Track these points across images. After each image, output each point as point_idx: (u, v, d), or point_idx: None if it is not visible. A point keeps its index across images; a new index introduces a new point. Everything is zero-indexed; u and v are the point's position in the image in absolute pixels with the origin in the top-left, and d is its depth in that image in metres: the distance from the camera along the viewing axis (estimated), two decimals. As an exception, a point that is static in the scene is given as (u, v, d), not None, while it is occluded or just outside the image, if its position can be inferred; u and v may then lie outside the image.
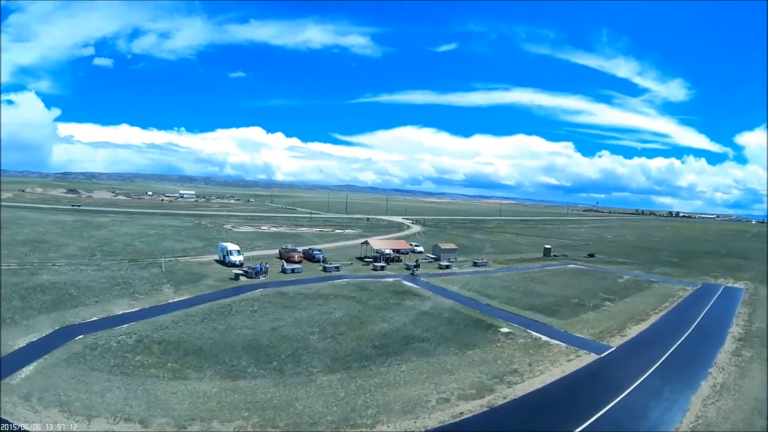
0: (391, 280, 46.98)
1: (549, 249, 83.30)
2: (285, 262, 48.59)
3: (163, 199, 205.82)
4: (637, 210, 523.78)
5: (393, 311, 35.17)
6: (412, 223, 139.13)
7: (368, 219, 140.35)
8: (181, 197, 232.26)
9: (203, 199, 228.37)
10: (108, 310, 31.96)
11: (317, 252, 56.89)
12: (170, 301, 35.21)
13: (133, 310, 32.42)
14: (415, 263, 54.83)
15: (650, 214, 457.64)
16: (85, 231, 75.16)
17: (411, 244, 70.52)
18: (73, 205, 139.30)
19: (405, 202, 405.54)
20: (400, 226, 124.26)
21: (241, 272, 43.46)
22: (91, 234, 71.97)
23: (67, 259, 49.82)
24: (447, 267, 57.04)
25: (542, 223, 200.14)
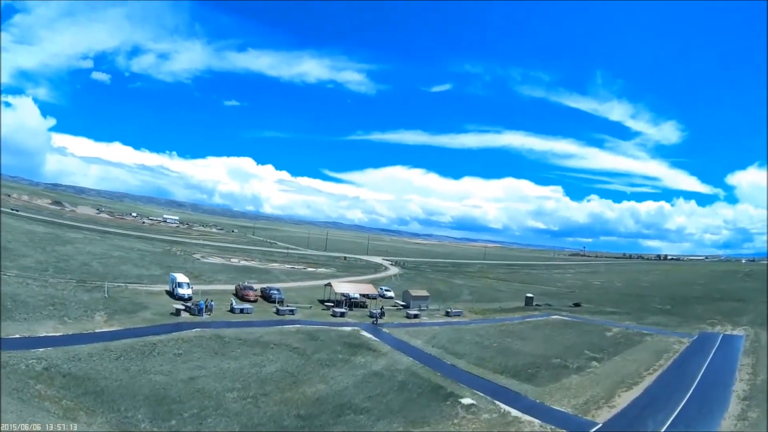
0: (348, 329, 45.80)
1: (531, 298, 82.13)
2: (234, 301, 48.36)
3: (144, 222, 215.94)
4: (624, 254, 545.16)
5: (338, 369, 32.64)
6: (391, 264, 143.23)
7: (345, 258, 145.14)
8: (164, 221, 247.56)
9: (185, 226, 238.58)
10: (32, 329, 32.48)
11: (275, 292, 56.57)
12: (97, 330, 35.22)
13: (57, 334, 32.63)
14: (379, 311, 53.77)
15: (637, 258, 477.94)
16: (50, 245, 77.30)
17: (380, 289, 71.78)
18: (12, 209, 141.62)
19: (390, 242, 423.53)
20: (377, 267, 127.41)
21: (183, 308, 43.28)
22: (55, 248, 74.02)
23: (19, 270, 51.61)
24: (415, 316, 56.51)
25: (527, 267, 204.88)
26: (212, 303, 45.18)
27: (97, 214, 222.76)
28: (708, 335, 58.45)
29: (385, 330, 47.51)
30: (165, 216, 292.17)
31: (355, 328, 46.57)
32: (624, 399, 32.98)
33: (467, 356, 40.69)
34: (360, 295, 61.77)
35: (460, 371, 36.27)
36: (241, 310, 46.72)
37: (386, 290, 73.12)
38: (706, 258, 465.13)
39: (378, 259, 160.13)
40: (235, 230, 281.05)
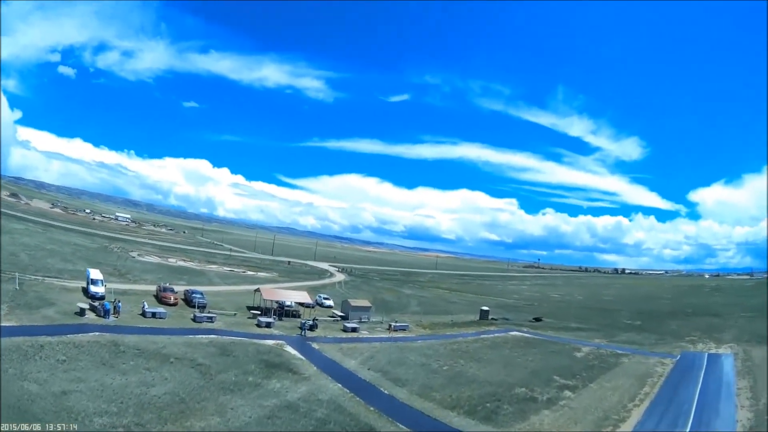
0: (271, 343, 44.32)
1: (486, 311, 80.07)
2: (146, 304, 48.50)
3: (95, 219, 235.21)
4: (580, 267, 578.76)
5: (243, 397, 29.28)
6: (338, 271, 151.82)
7: (289, 263, 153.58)
8: (116, 219, 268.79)
9: (135, 224, 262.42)
10: None
11: (197, 295, 57.00)
12: (-10, 324, 34.63)
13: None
14: (311, 321, 53.48)
15: (594, 271, 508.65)
16: (-15, 234, 77.60)
17: (319, 296, 74.41)
18: None
19: (342, 249, 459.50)
20: (322, 274, 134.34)
21: (88, 307, 43.79)
22: (-12, 238, 74.03)
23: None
24: (354, 330, 55.78)
25: (480, 278, 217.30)
26: (119, 304, 45.43)
27: (51, 208, 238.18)
28: (691, 355, 57.54)
29: (314, 346, 46.19)
30: (117, 214, 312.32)
31: (280, 342, 45.18)
32: None
33: (410, 383, 37.26)
34: (295, 303, 62.10)
35: (400, 404, 32.61)
36: (153, 314, 46.64)
37: (325, 298, 74.40)
38: (666, 272, 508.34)
39: (325, 265, 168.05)
40: (186, 231, 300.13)
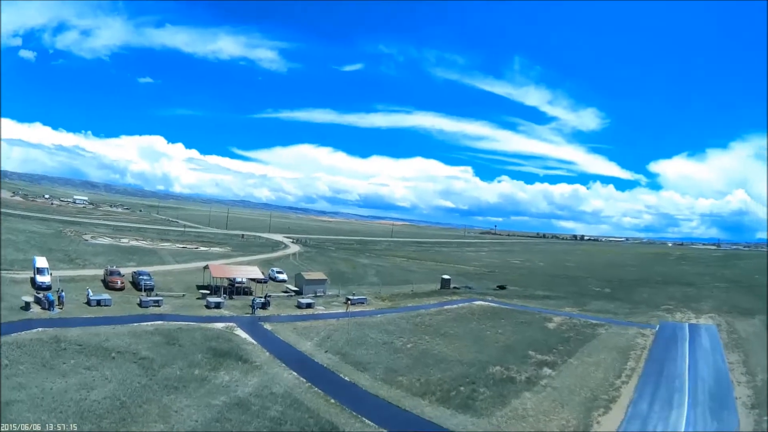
0: (220, 326, 43.25)
1: (448, 280, 79.40)
2: (90, 291, 47.97)
3: (53, 204, 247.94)
4: (538, 233, 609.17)
5: (188, 395, 27.43)
6: (293, 242, 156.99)
7: (243, 236, 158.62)
8: (74, 203, 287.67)
9: (92, 206, 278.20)
10: None
11: (144, 277, 56.88)
12: None
13: None
14: (263, 299, 53.16)
15: (552, 238, 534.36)
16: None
17: (271, 271, 75.34)
18: None
19: (297, 220, 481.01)
20: (276, 246, 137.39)
21: (33, 300, 43.53)
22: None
23: None
24: (309, 306, 54.98)
25: (438, 245, 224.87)
26: (63, 294, 44.60)
27: (12, 197, 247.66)
28: (671, 326, 57.62)
29: (267, 326, 44.97)
30: (75, 197, 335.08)
31: (230, 324, 44.21)
32: (606, 428, 27.27)
33: (373, 367, 35.28)
34: (246, 279, 62.34)
35: (364, 394, 30.55)
36: (98, 302, 46.00)
37: (278, 272, 74.56)
38: (627, 240, 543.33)
39: (279, 237, 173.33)
40: (141, 210, 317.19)
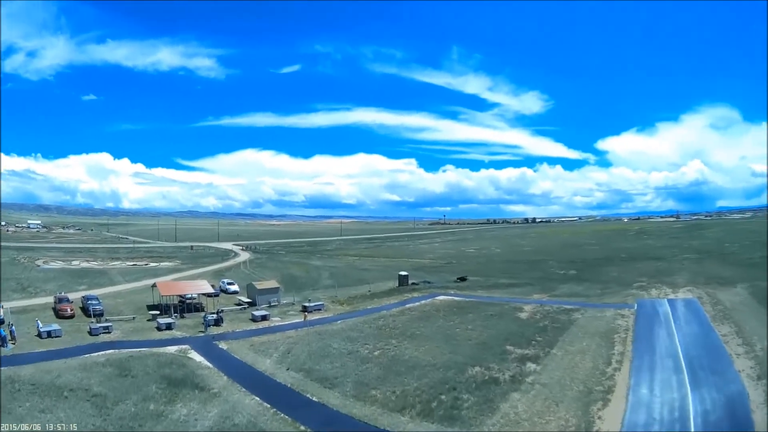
0: (173, 350, 42.07)
1: (406, 276, 78.97)
2: (39, 323, 47.28)
3: (9, 230, 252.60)
4: (488, 219, 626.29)
5: None
6: (243, 249, 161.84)
7: (192, 248, 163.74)
8: (28, 227, 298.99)
9: (45, 229, 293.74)
10: None
11: (93, 302, 56.78)
12: None
13: None
14: (215, 315, 52.08)
15: (503, 223, 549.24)
16: None
17: (222, 282, 75.54)
18: None
19: (246, 226, 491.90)
20: (225, 255, 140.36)
21: None
22: None
23: None
24: (263, 318, 54.17)
25: (389, 240, 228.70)
26: (13, 328, 44.58)
27: None
28: (649, 303, 57.95)
29: (222, 345, 43.55)
30: (29, 221, 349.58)
31: (183, 346, 43.00)
32: (611, 423, 25.93)
33: (341, 382, 33.32)
34: (198, 294, 62.11)
35: (335, 414, 28.51)
36: (48, 334, 45.34)
37: (229, 283, 74.76)
38: (580, 219, 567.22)
39: (228, 245, 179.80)
40: (93, 229, 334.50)
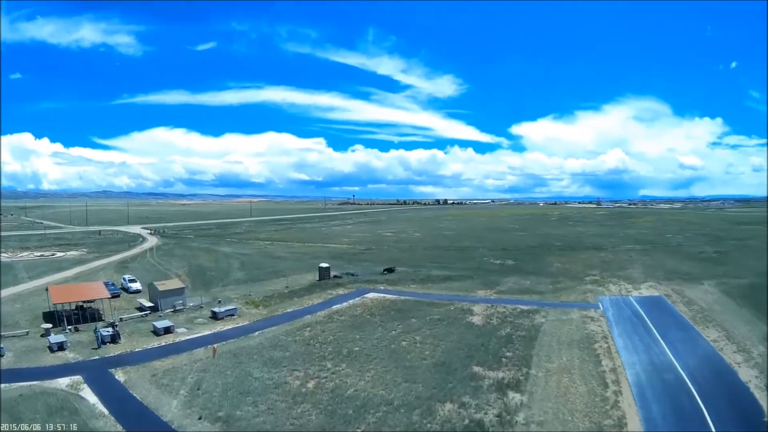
0: (65, 384, 35.84)
1: (327, 268, 74.14)
2: None
3: None
4: (398, 200, 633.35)
5: None
6: (151, 233, 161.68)
7: (100, 233, 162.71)
8: None
9: None
10: None
11: None
12: None
13: None
14: (110, 330, 46.34)
15: (413, 203, 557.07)
16: None
17: (123, 280, 71.06)
18: None
19: (157, 206, 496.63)
20: (133, 241, 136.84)
21: None
22: None
23: None
24: (167, 330, 48.34)
25: (300, 221, 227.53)
26: None
27: None
28: (615, 303, 55.57)
29: (119, 375, 37.59)
30: None
31: (75, 378, 37.07)
32: None
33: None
34: (83, 303, 56.48)
35: None
36: None
37: (131, 281, 69.59)
38: (493, 201, 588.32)
39: (137, 229, 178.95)
40: (12, 213, 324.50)
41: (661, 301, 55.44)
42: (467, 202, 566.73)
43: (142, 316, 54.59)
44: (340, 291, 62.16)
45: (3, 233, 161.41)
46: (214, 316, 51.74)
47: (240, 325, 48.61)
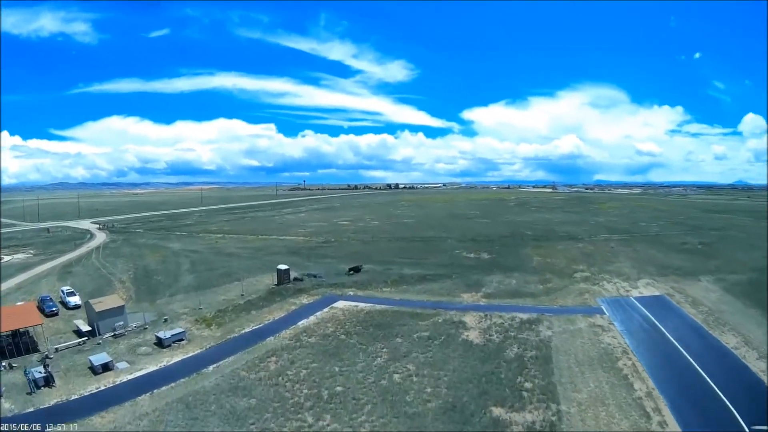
0: None
1: (286, 271, 67.52)
2: None
3: None
4: (348, 185, 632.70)
5: None
6: (100, 228, 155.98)
7: (49, 230, 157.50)
8: None
9: None
10: None
11: None
12: None
13: None
14: (42, 372, 39.61)
15: (365, 188, 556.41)
16: None
17: (61, 292, 65.05)
18: None
19: (110, 197, 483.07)
20: (81, 238, 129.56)
21: None
22: None
23: None
24: (106, 367, 42.11)
25: (252, 210, 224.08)
26: None
27: None
28: (616, 304, 52.63)
29: None
30: None
31: None
32: None
33: None
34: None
35: None
36: None
37: (69, 293, 63.44)
38: (444, 185, 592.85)
39: (87, 224, 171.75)
40: None
41: (666, 303, 53.20)
42: (419, 187, 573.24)
43: (79, 343, 48.07)
44: (304, 299, 55.97)
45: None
46: (160, 343, 45.35)
47: (190, 354, 41.78)
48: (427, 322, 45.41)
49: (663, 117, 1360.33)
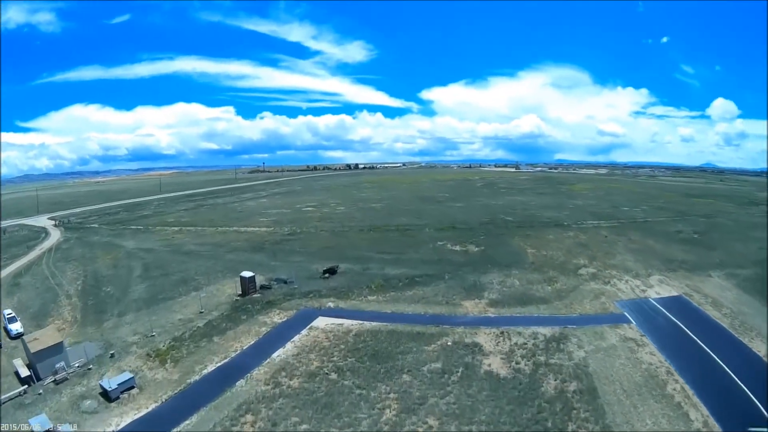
0: None
1: (252, 278, 61.24)
2: None
3: None
4: (308, 166, 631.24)
5: None
6: (55, 225, 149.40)
7: (5, 232, 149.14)
8: None
9: None
10: None
11: None
12: None
13: None
14: None
15: (324, 169, 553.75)
16: None
17: (3, 317, 59.28)
18: None
19: (72, 186, 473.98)
20: (35, 239, 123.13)
21: None
22: None
23: None
24: None
25: (211, 196, 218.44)
26: None
27: None
28: (638, 308, 49.39)
29: None
30: None
31: None
32: None
33: None
34: None
35: None
36: None
37: (10, 319, 58.52)
38: (404, 165, 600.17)
39: (44, 220, 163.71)
40: None
41: (687, 305, 51.37)
42: (378, 166, 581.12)
43: (20, 393, 42.19)
44: (276, 317, 49.33)
45: None
46: (106, 395, 38.89)
47: (143, 412, 34.70)
48: (433, 346, 39.29)
49: (627, 98, 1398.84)
